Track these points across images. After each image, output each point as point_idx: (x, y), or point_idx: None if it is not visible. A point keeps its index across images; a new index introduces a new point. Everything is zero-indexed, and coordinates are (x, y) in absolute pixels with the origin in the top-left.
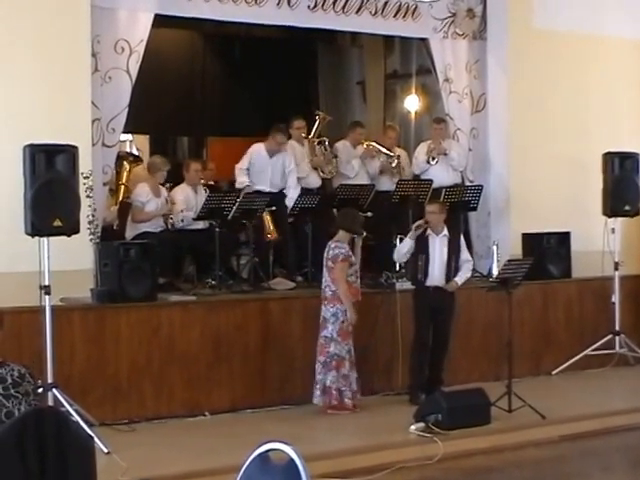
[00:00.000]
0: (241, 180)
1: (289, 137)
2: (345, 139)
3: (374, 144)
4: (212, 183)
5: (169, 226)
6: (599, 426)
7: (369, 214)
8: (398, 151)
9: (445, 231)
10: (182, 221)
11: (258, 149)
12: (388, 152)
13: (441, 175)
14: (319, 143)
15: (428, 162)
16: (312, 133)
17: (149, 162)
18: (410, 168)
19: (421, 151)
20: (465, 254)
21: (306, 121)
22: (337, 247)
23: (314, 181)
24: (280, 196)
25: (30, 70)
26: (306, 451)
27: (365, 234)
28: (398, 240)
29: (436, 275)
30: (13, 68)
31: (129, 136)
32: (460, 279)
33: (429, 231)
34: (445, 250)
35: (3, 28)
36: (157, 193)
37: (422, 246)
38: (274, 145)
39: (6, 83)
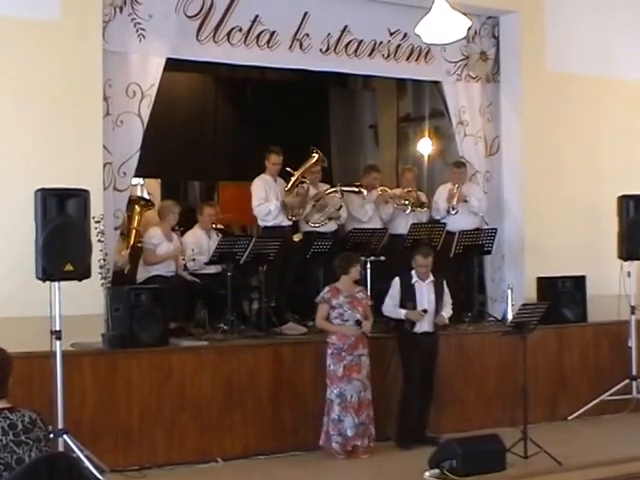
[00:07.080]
0: (266, 210)
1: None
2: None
3: (389, 190)
4: (223, 227)
5: (184, 267)
6: (616, 472)
7: (382, 258)
8: (416, 194)
9: (431, 276)
10: (194, 260)
11: (263, 179)
12: (402, 200)
13: (462, 221)
14: (301, 183)
15: (448, 212)
16: (299, 169)
17: (159, 207)
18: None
19: (441, 196)
20: (447, 296)
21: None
22: (322, 291)
23: (328, 226)
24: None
25: (42, 114)
26: None
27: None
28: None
29: (425, 322)
30: (25, 112)
31: (140, 180)
32: (447, 314)
33: (416, 278)
34: (433, 296)
35: (15, 72)
36: (169, 237)
37: (409, 294)
38: (272, 167)
39: (18, 127)
